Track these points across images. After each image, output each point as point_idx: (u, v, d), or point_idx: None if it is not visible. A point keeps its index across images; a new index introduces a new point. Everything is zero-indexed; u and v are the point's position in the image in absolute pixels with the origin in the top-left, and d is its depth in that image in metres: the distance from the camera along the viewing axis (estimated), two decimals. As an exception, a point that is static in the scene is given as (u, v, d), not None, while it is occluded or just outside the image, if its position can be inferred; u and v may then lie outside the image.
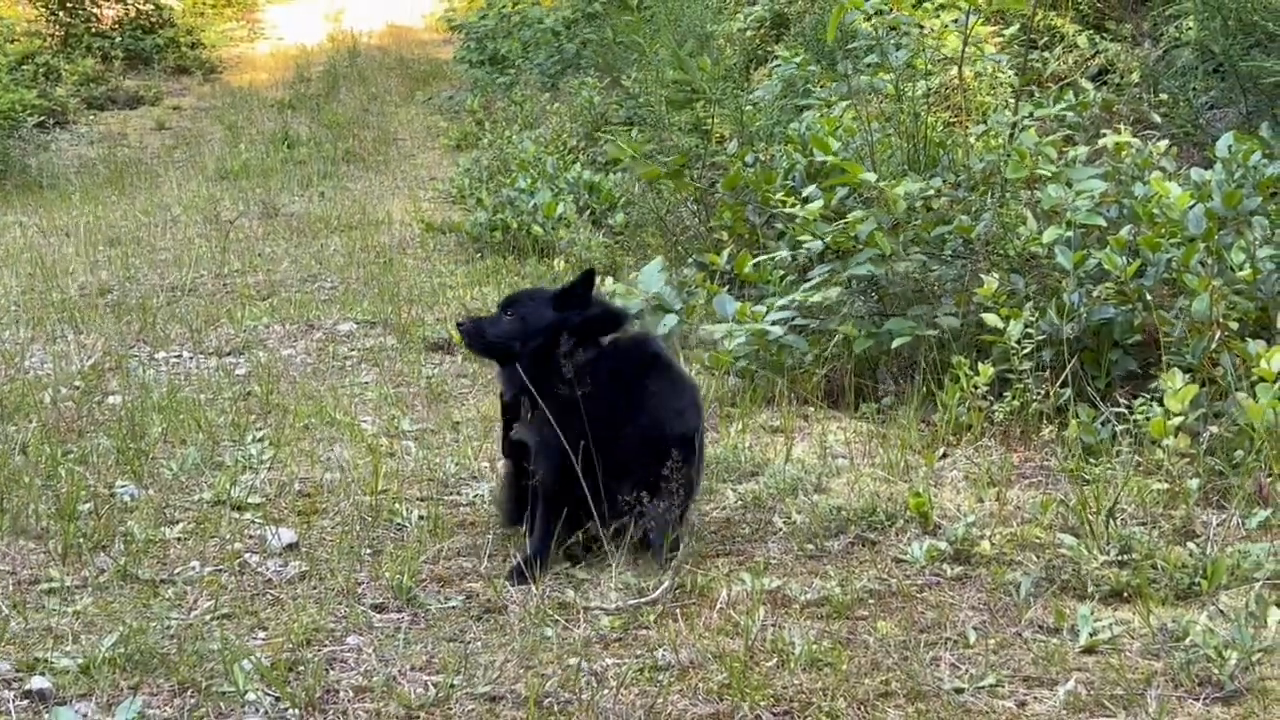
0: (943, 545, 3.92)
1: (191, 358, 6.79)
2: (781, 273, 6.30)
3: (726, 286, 6.51)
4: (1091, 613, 3.44)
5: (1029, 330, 4.85)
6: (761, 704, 3.00)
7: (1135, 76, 8.01)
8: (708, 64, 8.22)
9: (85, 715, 2.88)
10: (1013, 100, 6.40)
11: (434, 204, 11.73)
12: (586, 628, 3.45)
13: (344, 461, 4.82)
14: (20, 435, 5.14)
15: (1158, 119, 7.05)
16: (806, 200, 5.99)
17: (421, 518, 4.27)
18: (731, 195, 7.36)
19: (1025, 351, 4.83)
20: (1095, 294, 5.09)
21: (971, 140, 6.21)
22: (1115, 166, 5.72)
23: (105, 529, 4.12)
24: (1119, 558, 3.73)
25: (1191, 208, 5.02)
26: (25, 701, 2.96)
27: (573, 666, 3.15)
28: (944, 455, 4.82)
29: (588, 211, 9.91)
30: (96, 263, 9.37)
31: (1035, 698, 3.06)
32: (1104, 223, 5.29)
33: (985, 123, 6.32)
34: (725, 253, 6.59)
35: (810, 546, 4.03)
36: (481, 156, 12.69)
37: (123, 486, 4.61)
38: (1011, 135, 5.97)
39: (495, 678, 3.11)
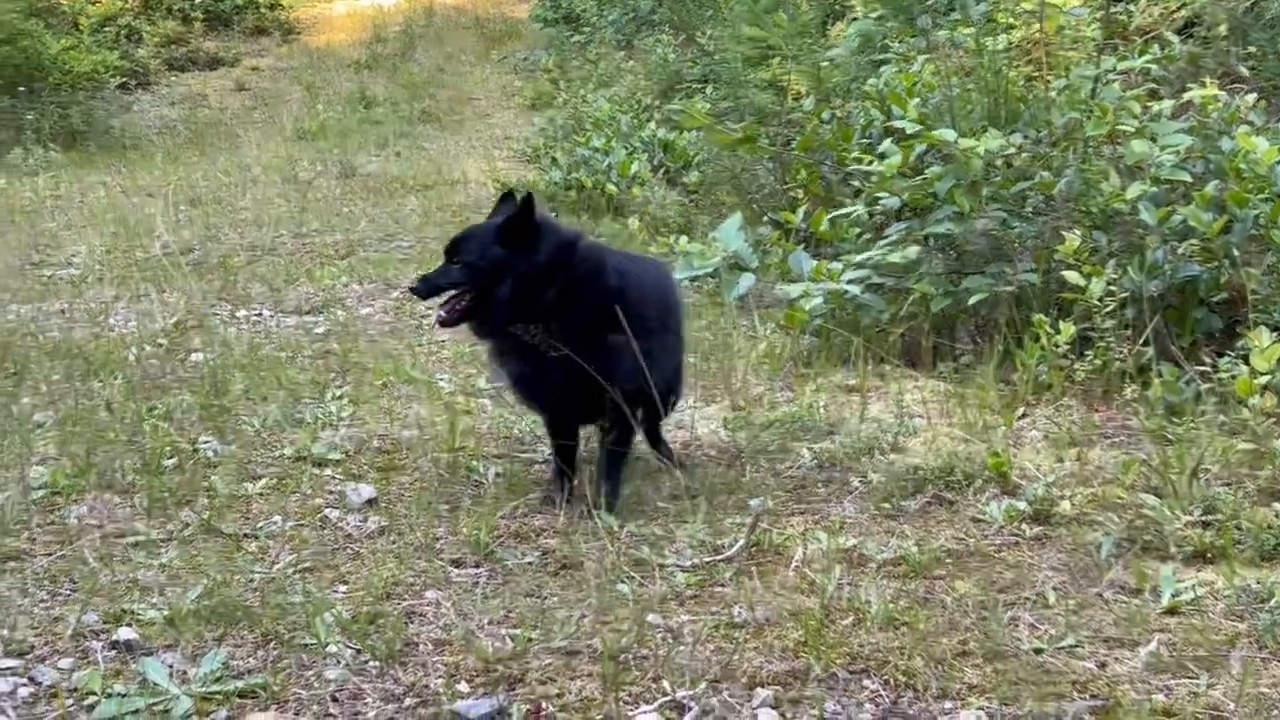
0: (1022, 505, 3.89)
1: (272, 316, 6.87)
2: (858, 230, 6.25)
3: (801, 244, 6.47)
4: (1174, 574, 3.40)
5: (1111, 288, 4.77)
6: (837, 662, 2.99)
7: (1223, 29, 7.80)
8: (784, 20, 8.15)
9: (171, 666, 2.92)
10: (1096, 54, 6.28)
11: (509, 163, 11.76)
12: (662, 584, 3.45)
13: (421, 419, 4.86)
14: (106, 392, 5.23)
15: (1245, 72, 6.89)
16: (884, 157, 5.93)
17: (498, 475, 4.30)
18: (808, 153, 7.30)
19: (1108, 309, 4.76)
20: (1180, 251, 5.00)
21: (1053, 95, 6.09)
22: (1201, 121, 5.59)
23: (189, 484, 4.19)
24: (1202, 518, 3.67)
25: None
26: (113, 652, 3.02)
27: (648, 622, 3.16)
28: (1023, 415, 4.76)
29: (662, 170, 9.90)
30: (178, 222, 9.50)
31: (1116, 659, 3.02)
32: (1189, 178, 5.19)
33: (1067, 77, 6.20)
34: (801, 210, 6.54)
35: (887, 506, 4.01)
36: (556, 115, 12.70)
37: (206, 442, 4.68)
38: (1094, 90, 5.86)
39: (572, 633, 3.13)
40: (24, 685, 2.84)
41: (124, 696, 2.78)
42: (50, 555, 3.62)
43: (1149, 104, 5.79)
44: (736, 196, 8.19)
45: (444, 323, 3.97)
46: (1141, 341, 4.80)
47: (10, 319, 6.65)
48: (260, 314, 6.93)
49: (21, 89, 14.75)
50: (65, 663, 2.95)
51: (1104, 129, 5.47)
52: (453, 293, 3.94)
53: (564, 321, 3.85)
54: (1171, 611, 3.25)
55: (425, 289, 3.97)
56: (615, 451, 4.01)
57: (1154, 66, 6.06)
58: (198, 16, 20.05)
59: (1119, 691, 2.85)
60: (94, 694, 2.79)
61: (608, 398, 3.83)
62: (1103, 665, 2.99)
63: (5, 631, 3.09)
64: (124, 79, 17.08)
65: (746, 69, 9.06)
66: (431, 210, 9.74)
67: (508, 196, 4.09)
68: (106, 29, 18.50)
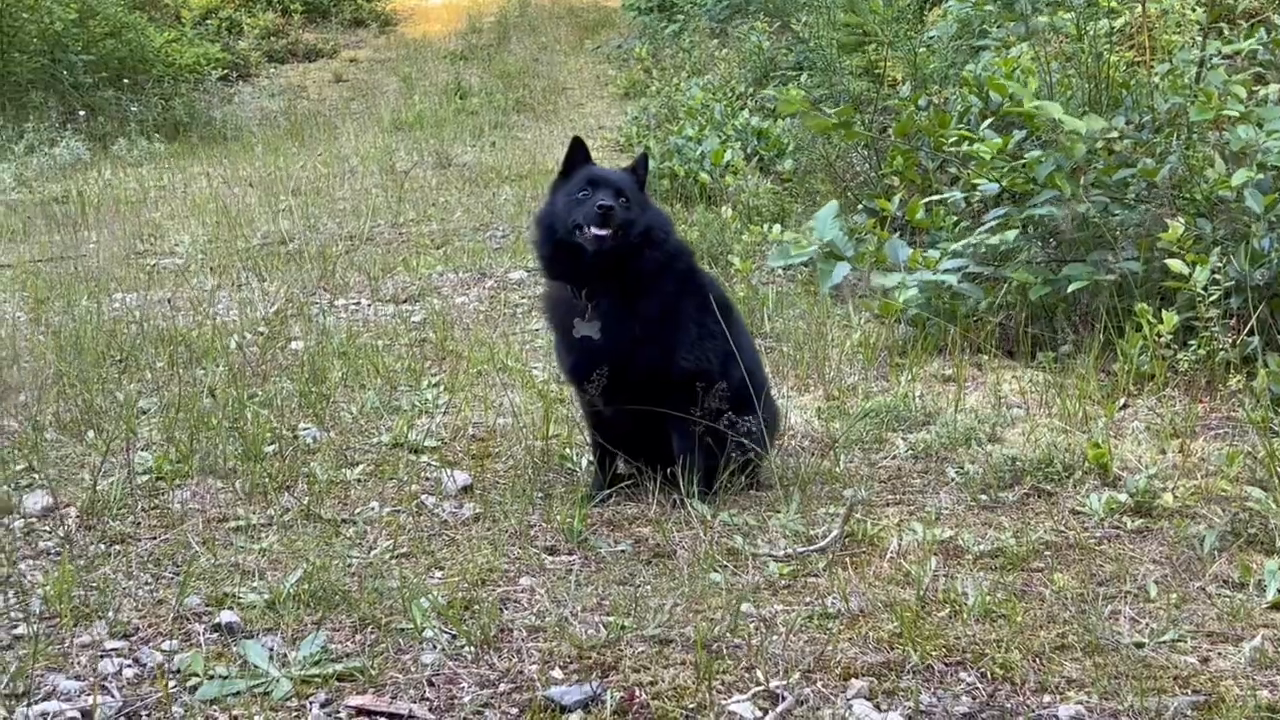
0: (1122, 497, 3.82)
1: (369, 305, 6.95)
2: (955, 218, 6.17)
3: (897, 233, 6.41)
4: (1279, 568, 3.32)
5: (1216, 276, 4.67)
6: (933, 654, 2.96)
7: (1333, 10, 7.61)
8: (880, 5, 8.07)
9: (271, 649, 2.97)
10: (1201, 38, 6.14)
11: (602, 152, 11.77)
12: (755, 574, 3.45)
13: (516, 407, 4.89)
14: (208, 379, 5.33)
15: (1357, 55, 6.70)
16: (983, 141, 5.85)
17: (590, 463, 4.31)
18: (904, 140, 7.22)
19: (1212, 298, 4.66)
20: (1287, 239, 4.88)
21: (1156, 80, 5.97)
22: (1310, 106, 5.45)
23: (289, 470, 4.25)
24: (1310, 512, 3.59)
25: (1393, 148, 4.77)
26: (215, 634, 3.08)
27: (741, 612, 3.16)
28: (1124, 405, 4.68)
29: (755, 158, 9.85)
30: (278, 212, 9.64)
31: (1219, 653, 2.96)
32: (1297, 164, 5.07)
33: (1171, 62, 6.08)
34: (896, 198, 6.48)
35: (984, 497, 3.97)
36: (649, 104, 12.70)
37: (305, 429, 4.75)
38: (1199, 74, 5.73)
39: (665, 621, 3.13)
40: (129, 666, 2.91)
41: (225, 678, 2.83)
42: (154, 539, 3.70)
43: (1255, 88, 5.65)
44: (831, 184, 8.13)
45: (601, 240, 3.80)
46: (1246, 331, 4.70)
47: (116, 307, 6.80)
48: (358, 303, 7.02)
49: (126, 81, 15.09)
50: (169, 644, 3.01)
51: (1209, 114, 5.34)
52: (611, 230, 3.81)
53: (655, 285, 3.93)
54: (1276, 606, 3.18)
55: (614, 219, 3.80)
56: (711, 436, 3.95)
57: (1260, 50, 5.90)
58: (297, 9, 20.36)
59: (1222, 687, 2.80)
60: (196, 675, 2.84)
61: (709, 390, 3.85)
62: (1205, 660, 2.94)
63: (111, 613, 3.16)
64: (225, 71, 17.39)
65: (842, 56, 8.99)
66: (526, 200, 9.78)
67: (579, 144, 4.04)
68: (208, 22, 18.85)
